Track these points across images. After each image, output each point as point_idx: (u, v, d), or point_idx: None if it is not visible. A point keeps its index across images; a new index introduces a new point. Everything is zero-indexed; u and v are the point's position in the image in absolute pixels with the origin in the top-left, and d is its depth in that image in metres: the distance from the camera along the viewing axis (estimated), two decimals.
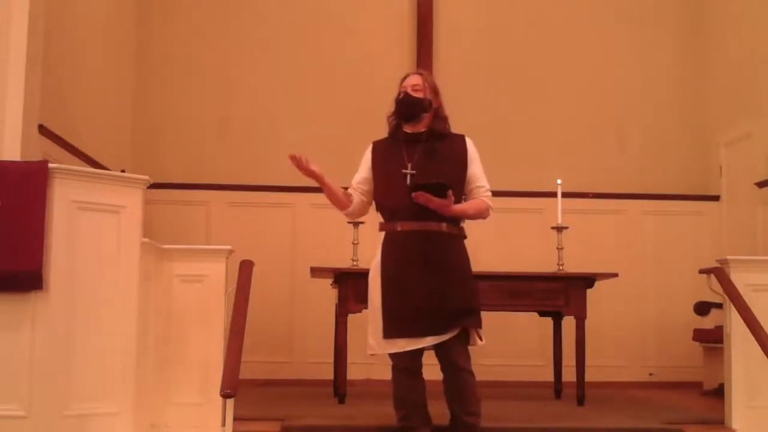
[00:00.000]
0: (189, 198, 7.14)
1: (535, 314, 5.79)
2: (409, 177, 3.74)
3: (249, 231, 6.92)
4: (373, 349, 3.76)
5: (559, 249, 5.55)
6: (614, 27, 7.71)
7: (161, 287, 4.11)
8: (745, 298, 4.40)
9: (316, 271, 5.36)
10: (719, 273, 4.58)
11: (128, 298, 3.69)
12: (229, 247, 4.29)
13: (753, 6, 6.86)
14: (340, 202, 3.96)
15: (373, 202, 3.97)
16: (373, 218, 5.93)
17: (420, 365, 3.80)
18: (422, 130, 3.85)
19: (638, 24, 7.72)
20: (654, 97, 7.67)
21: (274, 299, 6.86)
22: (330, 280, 5.47)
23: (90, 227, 3.57)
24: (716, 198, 7.36)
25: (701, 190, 7.47)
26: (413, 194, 3.63)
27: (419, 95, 3.82)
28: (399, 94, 3.88)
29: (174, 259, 4.19)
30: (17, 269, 3.38)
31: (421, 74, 3.92)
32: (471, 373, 3.76)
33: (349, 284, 5.15)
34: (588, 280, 5.34)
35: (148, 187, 3.81)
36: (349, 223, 5.46)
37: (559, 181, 5.53)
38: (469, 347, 3.80)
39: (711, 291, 4.77)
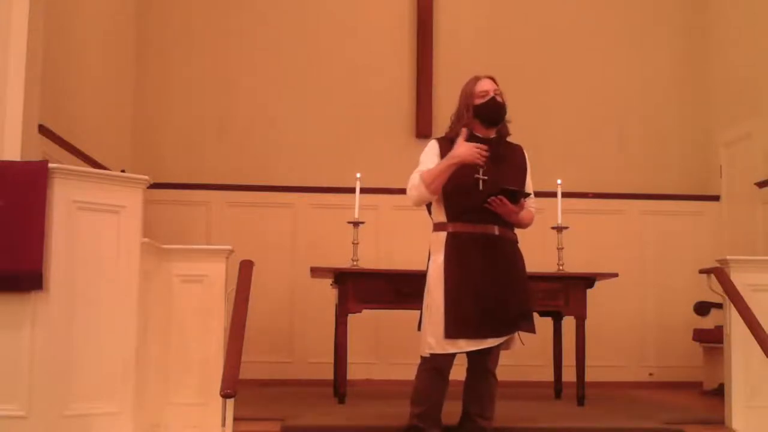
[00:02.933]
0: (189, 198, 7.14)
1: (535, 314, 5.78)
2: (481, 182, 3.76)
3: (249, 231, 6.92)
4: (432, 349, 3.72)
5: (559, 249, 5.55)
6: (614, 27, 7.71)
7: (161, 287, 4.11)
8: (745, 298, 4.40)
9: (316, 271, 5.36)
10: (719, 273, 4.58)
11: (128, 298, 3.69)
12: (229, 247, 4.28)
13: (753, 6, 6.86)
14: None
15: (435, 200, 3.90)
16: (374, 218, 5.95)
17: (451, 367, 3.79)
18: (492, 135, 3.89)
19: (638, 24, 7.73)
20: (654, 97, 7.67)
21: (274, 299, 6.86)
22: (330, 280, 5.47)
23: (90, 227, 3.57)
24: (716, 198, 7.35)
25: (701, 190, 7.47)
26: (491, 198, 3.67)
27: (500, 100, 3.87)
28: (474, 97, 3.83)
29: (174, 259, 4.18)
30: (17, 269, 3.38)
31: (493, 79, 3.92)
32: (496, 378, 3.82)
33: (349, 284, 5.15)
34: (588, 280, 5.35)
35: (148, 187, 3.81)
36: (349, 222, 5.47)
37: (559, 181, 5.53)
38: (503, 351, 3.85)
39: (711, 291, 4.76)
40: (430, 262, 3.83)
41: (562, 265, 5.52)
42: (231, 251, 4.28)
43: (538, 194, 6.90)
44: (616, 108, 7.64)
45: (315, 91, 7.44)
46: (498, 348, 3.78)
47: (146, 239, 3.85)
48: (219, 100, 7.41)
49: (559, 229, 5.56)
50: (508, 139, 3.98)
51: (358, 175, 5.46)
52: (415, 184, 3.78)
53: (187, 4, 7.48)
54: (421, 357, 3.78)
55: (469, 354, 3.77)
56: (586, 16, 7.69)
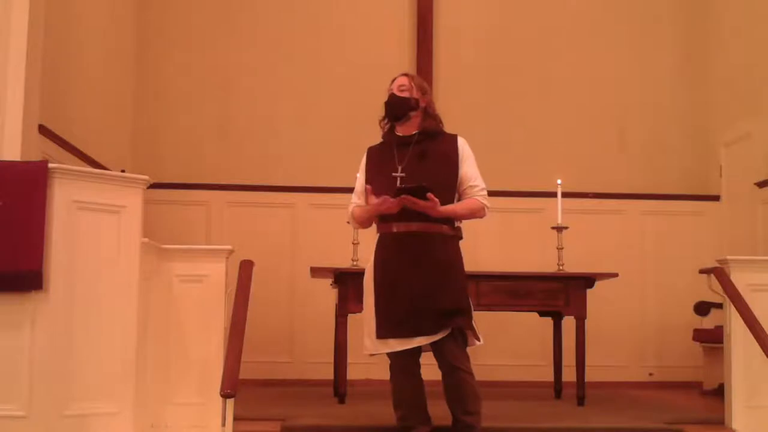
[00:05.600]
0: (189, 198, 7.14)
1: (535, 314, 5.79)
2: (399, 180, 3.75)
3: (249, 231, 6.92)
4: (368, 350, 3.80)
5: (559, 249, 5.55)
6: (614, 27, 7.71)
7: (161, 287, 4.11)
8: (745, 298, 4.40)
9: (316, 271, 5.36)
10: (719, 273, 4.58)
11: (128, 298, 3.69)
12: (229, 247, 4.28)
13: (753, 6, 6.86)
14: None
15: None
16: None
17: (417, 365, 3.82)
18: (413, 132, 3.88)
19: (638, 24, 7.73)
20: (654, 97, 7.67)
21: (274, 299, 6.86)
22: (330, 280, 5.47)
23: (90, 227, 3.57)
24: (716, 198, 7.35)
25: (701, 190, 7.47)
26: (397, 198, 3.65)
27: (405, 95, 3.85)
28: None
29: (174, 259, 4.18)
30: (17, 269, 3.38)
31: (407, 75, 3.96)
32: (468, 373, 3.77)
33: (349, 284, 5.14)
34: (588, 280, 5.34)
35: (148, 187, 3.81)
36: (348, 222, 5.46)
37: (559, 181, 5.53)
38: (468, 347, 3.82)
39: (711, 291, 4.76)
40: (367, 265, 3.90)
41: (562, 265, 5.52)
42: (231, 251, 4.27)
43: (538, 194, 6.92)
44: (616, 108, 7.63)
45: (315, 92, 7.44)
46: (456, 344, 3.73)
47: (146, 239, 3.84)
48: (219, 100, 7.41)
49: (559, 229, 5.56)
50: (448, 131, 3.95)
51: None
52: (351, 216, 4.00)
53: (187, 5, 7.48)
54: (389, 360, 3.81)
55: (435, 355, 3.77)
56: (586, 16, 7.69)
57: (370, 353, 3.79)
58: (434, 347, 3.73)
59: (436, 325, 3.67)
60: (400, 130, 3.90)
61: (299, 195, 7.20)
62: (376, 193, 3.76)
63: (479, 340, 3.81)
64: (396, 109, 3.86)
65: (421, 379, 3.84)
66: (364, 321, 3.83)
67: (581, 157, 7.42)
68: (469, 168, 3.85)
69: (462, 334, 3.76)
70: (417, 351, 3.77)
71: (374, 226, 3.95)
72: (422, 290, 3.67)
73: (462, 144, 3.89)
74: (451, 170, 3.82)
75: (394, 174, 3.76)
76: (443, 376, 3.80)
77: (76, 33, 5.80)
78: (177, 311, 4.15)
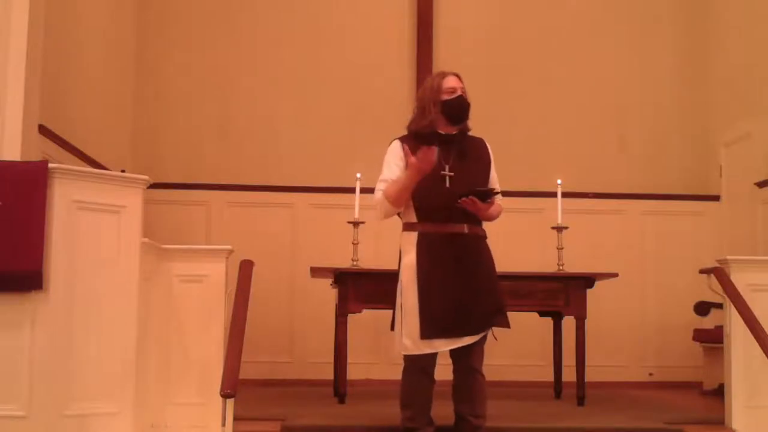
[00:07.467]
0: (189, 198, 7.14)
1: (535, 314, 5.79)
2: (447, 179, 3.76)
3: (249, 231, 6.92)
4: (408, 350, 3.74)
5: (559, 249, 5.55)
6: (614, 27, 7.71)
7: (161, 287, 4.11)
8: (745, 298, 4.40)
9: (316, 271, 5.36)
10: (719, 273, 4.58)
11: (128, 298, 3.69)
12: (229, 247, 4.28)
13: (753, 6, 6.86)
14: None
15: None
16: (374, 218, 5.92)
17: (435, 365, 3.81)
18: (454, 132, 3.88)
19: (638, 24, 7.73)
20: (654, 97, 7.67)
21: (274, 299, 6.86)
22: (330, 280, 5.47)
23: (90, 227, 3.57)
24: (716, 198, 7.35)
25: (701, 190, 7.47)
26: (461, 200, 3.66)
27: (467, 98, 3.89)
28: (441, 93, 3.83)
29: (174, 259, 4.18)
30: (17, 269, 3.38)
31: (460, 77, 3.93)
32: (483, 375, 3.81)
33: (349, 284, 5.15)
34: (588, 280, 5.34)
35: (148, 187, 3.81)
36: (349, 222, 5.47)
37: (559, 181, 5.54)
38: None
39: (711, 291, 4.77)
40: (402, 263, 3.83)
41: (562, 265, 5.52)
42: (231, 251, 4.27)
43: (538, 194, 6.92)
44: (616, 108, 7.64)
45: (315, 91, 7.44)
46: (480, 346, 3.78)
47: (146, 239, 3.85)
48: (219, 100, 7.41)
49: (559, 229, 5.57)
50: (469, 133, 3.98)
51: (359, 175, 5.46)
52: (380, 201, 3.79)
53: (187, 4, 7.48)
54: (404, 359, 3.80)
55: (453, 354, 3.78)
56: (586, 16, 7.69)
57: (410, 354, 3.74)
58: (458, 348, 3.73)
59: (481, 325, 3.72)
60: (443, 128, 3.87)
61: (299, 195, 7.20)
62: (424, 189, 3.71)
63: (496, 339, 3.86)
64: (465, 113, 3.88)
65: (434, 380, 3.83)
66: (403, 321, 3.75)
67: (581, 157, 7.42)
68: (494, 172, 3.97)
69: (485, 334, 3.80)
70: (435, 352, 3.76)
71: (400, 223, 3.91)
72: (470, 290, 3.70)
73: (489, 148, 3.99)
74: (486, 171, 3.93)
75: (443, 173, 3.76)
76: (458, 376, 3.81)
77: (76, 33, 5.80)
78: (177, 311, 4.15)
